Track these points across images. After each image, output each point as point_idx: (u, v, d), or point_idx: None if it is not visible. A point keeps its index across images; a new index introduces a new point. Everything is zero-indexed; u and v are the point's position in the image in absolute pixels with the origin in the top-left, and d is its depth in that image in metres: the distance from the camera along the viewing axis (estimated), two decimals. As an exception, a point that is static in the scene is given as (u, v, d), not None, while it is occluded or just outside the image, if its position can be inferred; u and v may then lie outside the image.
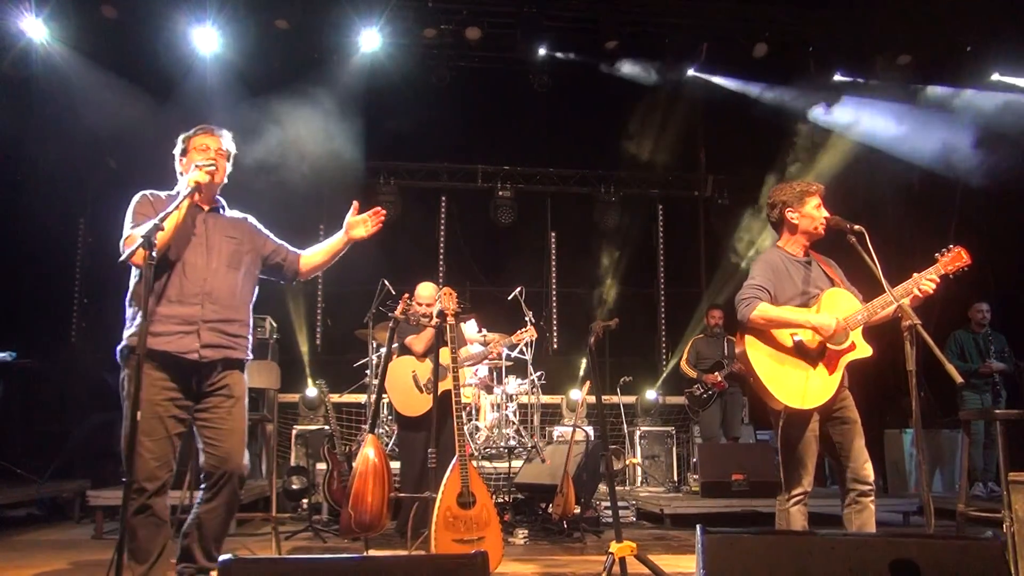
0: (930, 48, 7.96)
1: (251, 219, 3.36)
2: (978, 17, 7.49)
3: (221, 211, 3.24)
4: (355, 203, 3.39)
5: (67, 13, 7.06)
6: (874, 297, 3.21)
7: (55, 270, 8.02)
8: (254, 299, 3.27)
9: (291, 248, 3.41)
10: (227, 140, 3.22)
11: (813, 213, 3.31)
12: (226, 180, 3.26)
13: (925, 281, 3.14)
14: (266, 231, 3.37)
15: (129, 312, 3.03)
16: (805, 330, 3.17)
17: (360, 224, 3.38)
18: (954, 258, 3.20)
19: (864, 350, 3.16)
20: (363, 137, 7.92)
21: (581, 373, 8.72)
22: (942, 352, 2.87)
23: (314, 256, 3.43)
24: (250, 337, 3.20)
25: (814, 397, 3.12)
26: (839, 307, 3.20)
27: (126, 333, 2.96)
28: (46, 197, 7.27)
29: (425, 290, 5.18)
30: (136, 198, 3.07)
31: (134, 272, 3.01)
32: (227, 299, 3.07)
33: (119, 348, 2.97)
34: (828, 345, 3.15)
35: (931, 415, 7.38)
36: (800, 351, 3.17)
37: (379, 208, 3.42)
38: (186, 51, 7.40)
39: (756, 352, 3.20)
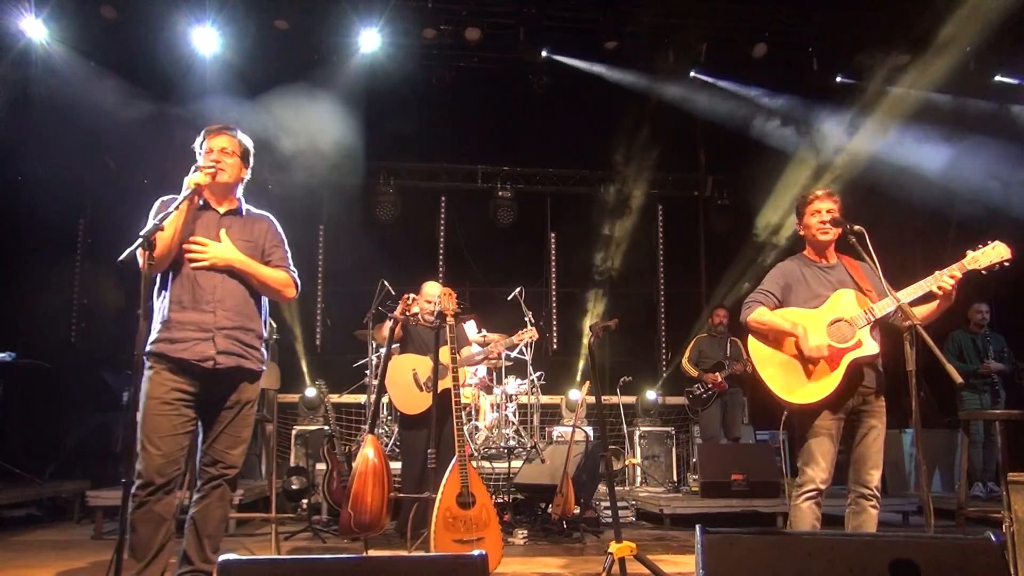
0: (930, 49, 7.96)
1: (273, 222, 3.28)
2: (978, 18, 7.49)
3: (240, 212, 3.19)
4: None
5: (67, 13, 7.06)
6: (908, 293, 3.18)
7: (55, 270, 8.03)
8: (265, 310, 3.22)
9: (289, 271, 3.23)
10: (235, 138, 3.15)
11: (810, 222, 3.41)
12: (248, 175, 3.22)
13: (945, 278, 3.07)
14: (278, 242, 3.24)
15: (154, 316, 3.02)
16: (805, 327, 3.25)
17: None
18: (988, 252, 3.07)
19: (869, 348, 3.17)
20: (363, 137, 7.92)
21: (580, 373, 8.72)
22: (940, 352, 2.88)
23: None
24: (264, 350, 3.17)
25: (813, 393, 3.18)
26: (844, 307, 3.24)
27: (148, 339, 2.95)
28: (46, 197, 7.27)
29: (433, 288, 5.21)
30: (156, 204, 3.04)
31: (157, 277, 3.01)
32: (240, 306, 3.05)
33: (144, 353, 2.95)
34: (832, 343, 3.18)
35: (931, 415, 7.38)
36: (798, 349, 3.24)
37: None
38: (186, 51, 7.40)
39: (758, 351, 3.35)
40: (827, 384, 3.17)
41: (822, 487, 3.21)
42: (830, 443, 3.22)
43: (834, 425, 3.23)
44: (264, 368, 3.18)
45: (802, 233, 3.48)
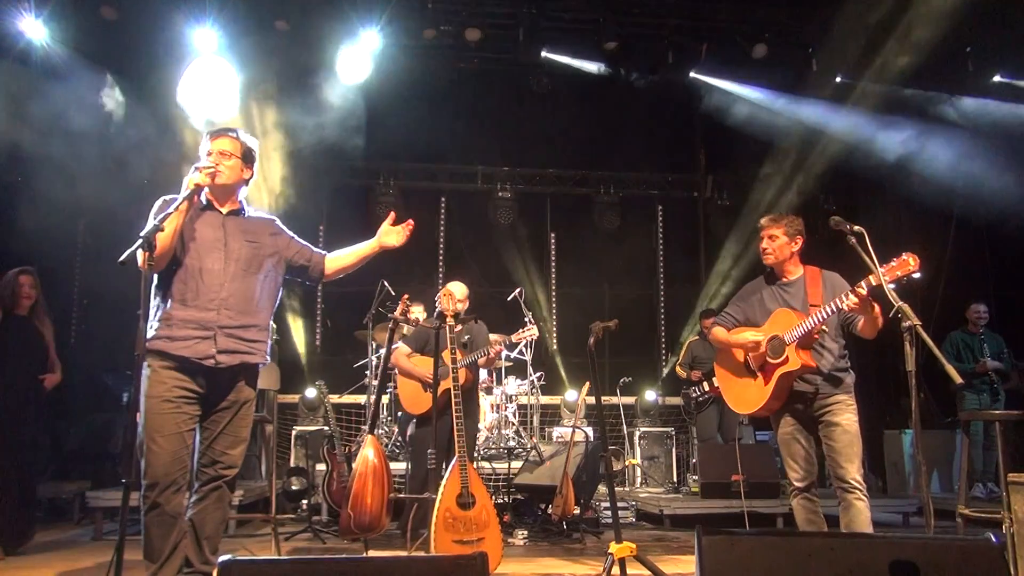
0: (930, 49, 7.95)
1: (277, 221, 3.34)
2: (978, 18, 7.49)
3: (242, 213, 3.21)
4: (391, 214, 3.45)
5: (67, 13, 7.05)
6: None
7: (55, 272, 8.01)
8: (277, 303, 3.26)
9: (316, 249, 3.41)
10: (236, 140, 3.15)
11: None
12: (253, 175, 3.24)
13: (851, 296, 3.19)
14: (290, 232, 3.36)
15: (151, 314, 3.02)
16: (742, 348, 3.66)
17: (394, 233, 3.40)
18: (899, 265, 3.08)
19: (793, 363, 3.43)
20: (363, 137, 7.91)
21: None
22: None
23: (342, 259, 3.42)
24: (269, 341, 3.19)
25: (749, 404, 3.64)
26: (781, 325, 3.51)
27: (148, 336, 2.95)
28: (45, 199, 7.27)
29: (457, 288, 5.16)
30: (157, 203, 3.04)
31: (155, 275, 3.01)
32: (244, 304, 3.06)
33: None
34: (767, 359, 3.51)
35: (930, 416, 7.39)
36: (746, 364, 3.66)
37: (411, 220, 3.44)
38: (186, 51, 7.39)
39: (718, 368, 3.88)
40: (760, 396, 3.56)
41: (799, 485, 3.54)
42: (796, 445, 3.55)
43: (794, 430, 3.55)
44: (268, 360, 3.19)
45: None
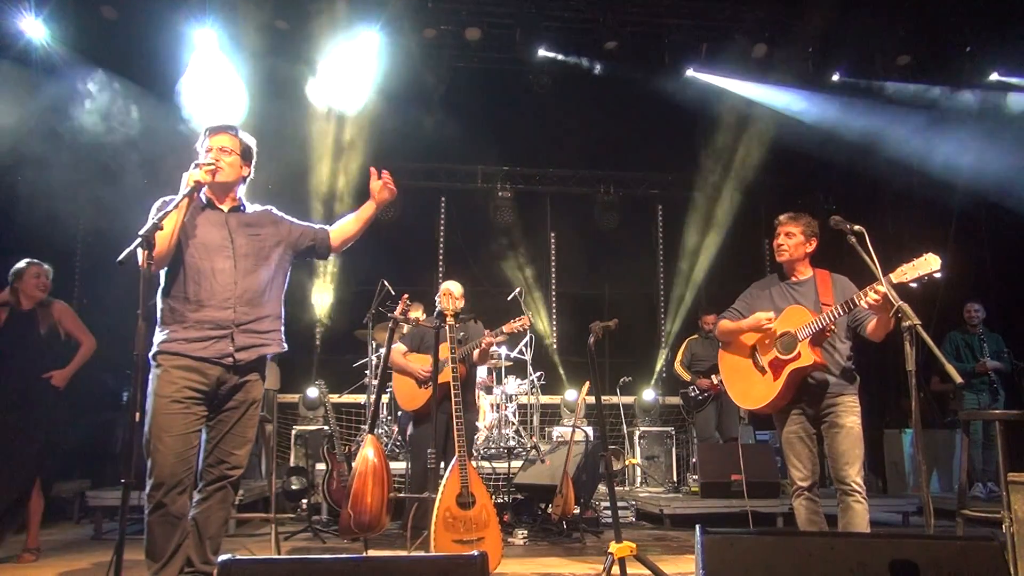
0: (930, 48, 7.95)
1: (273, 209, 3.35)
2: (978, 17, 7.49)
3: (242, 209, 3.22)
4: (372, 169, 3.42)
5: (67, 13, 7.06)
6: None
7: (54, 272, 8.00)
8: (285, 287, 3.30)
9: (317, 227, 3.41)
10: (236, 137, 3.16)
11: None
12: (251, 173, 3.25)
13: (871, 294, 3.19)
14: (289, 217, 3.37)
15: (159, 316, 3.01)
16: (752, 334, 3.63)
17: (383, 188, 3.42)
18: (920, 264, 3.09)
19: (806, 359, 3.43)
20: (363, 137, 7.90)
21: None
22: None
23: (345, 228, 3.44)
24: (282, 328, 3.22)
25: (756, 399, 3.60)
26: (793, 321, 3.50)
27: (157, 339, 2.96)
28: (45, 199, 7.27)
29: (453, 287, 5.17)
30: (156, 204, 3.03)
31: (162, 276, 3.02)
32: (258, 299, 3.09)
33: (151, 353, 2.95)
34: (777, 355, 3.50)
35: (930, 415, 7.39)
36: (753, 359, 3.64)
37: (386, 171, 3.46)
38: (186, 51, 7.39)
39: (724, 362, 3.82)
40: (769, 391, 3.52)
41: (803, 485, 3.53)
42: (801, 445, 3.55)
43: (800, 429, 3.55)
44: (285, 347, 3.21)
45: None
